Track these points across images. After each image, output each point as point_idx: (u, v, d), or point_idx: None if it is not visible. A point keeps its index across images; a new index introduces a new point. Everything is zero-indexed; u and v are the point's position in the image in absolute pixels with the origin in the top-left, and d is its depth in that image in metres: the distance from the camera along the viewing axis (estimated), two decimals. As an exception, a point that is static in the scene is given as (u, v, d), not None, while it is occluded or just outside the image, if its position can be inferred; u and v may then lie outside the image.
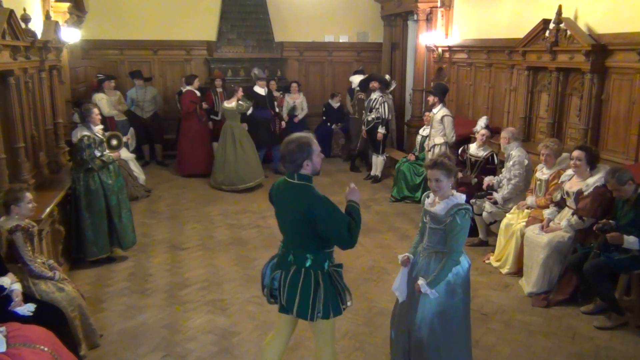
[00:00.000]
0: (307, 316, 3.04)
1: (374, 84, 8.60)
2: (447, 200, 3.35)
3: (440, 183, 3.34)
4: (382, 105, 8.48)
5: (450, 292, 3.37)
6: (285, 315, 3.22)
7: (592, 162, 4.81)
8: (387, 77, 9.48)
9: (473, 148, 6.43)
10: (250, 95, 8.99)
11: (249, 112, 8.78)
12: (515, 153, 5.77)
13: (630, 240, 4.18)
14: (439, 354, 3.39)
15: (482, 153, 6.33)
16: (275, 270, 3.17)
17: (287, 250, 3.14)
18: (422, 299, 3.39)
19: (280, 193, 3.14)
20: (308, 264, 3.06)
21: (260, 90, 9.10)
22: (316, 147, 3.06)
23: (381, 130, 8.46)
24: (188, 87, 9.24)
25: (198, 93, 9.25)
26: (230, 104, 8.38)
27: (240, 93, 8.43)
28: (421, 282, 3.30)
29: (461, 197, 3.38)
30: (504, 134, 5.89)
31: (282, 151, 3.05)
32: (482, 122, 6.45)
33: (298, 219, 3.01)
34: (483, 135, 6.30)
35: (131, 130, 8.27)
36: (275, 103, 9.51)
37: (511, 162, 5.78)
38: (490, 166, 6.30)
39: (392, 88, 9.32)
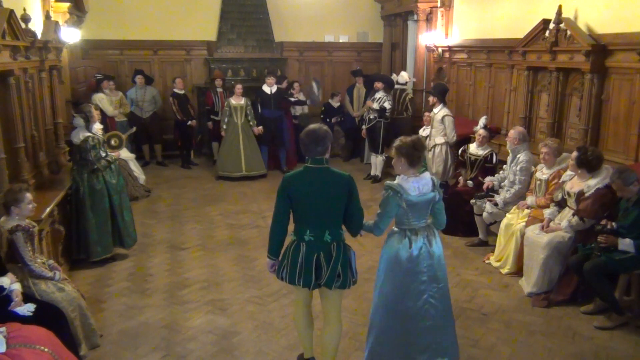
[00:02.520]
0: (347, 285, 3.40)
1: (378, 84, 8.61)
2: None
3: (394, 162, 3.55)
4: (385, 104, 8.49)
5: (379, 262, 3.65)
6: (308, 292, 3.53)
7: (585, 165, 4.76)
8: (405, 74, 9.43)
9: (473, 147, 6.45)
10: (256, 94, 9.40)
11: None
12: (523, 157, 5.70)
13: (625, 242, 4.19)
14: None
15: (481, 152, 6.35)
16: (313, 254, 3.34)
17: (320, 232, 3.34)
18: None
19: (308, 181, 3.32)
20: (343, 237, 3.44)
21: (266, 88, 9.19)
22: None
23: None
24: (278, 87, 9.49)
25: (291, 91, 9.83)
26: (239, 101, 8.97)
27: (238, 90, 8.96)
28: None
29: (401, 178, 3.46)
30: (513, 134, 5.78)
31: (312, 136, 3.28)
32: (481, 122, 6.46)
33: (339, 198, 3.33)
34: (481, 135, 6.32)
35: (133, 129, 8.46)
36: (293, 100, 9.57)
37: (518, 167, 5.72)
38: (489, 165, 6.32)
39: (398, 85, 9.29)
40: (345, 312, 4.52)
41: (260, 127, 9.14)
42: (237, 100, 8.97)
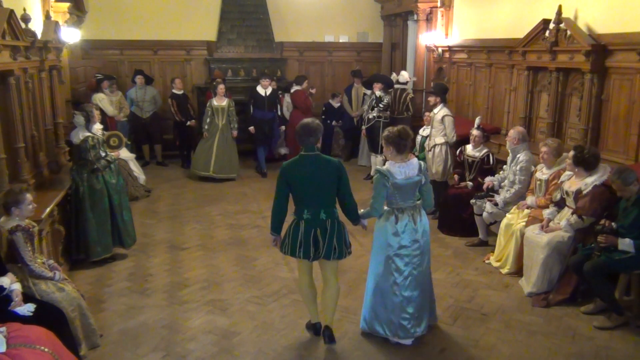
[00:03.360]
0: (342, 256, 3.91)
1: (377, 85, 8.61)
2: None
3: (384, 150, 4.08)
4: (384, 100, 8.51)
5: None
6: (309, 263, 3.99)
7: (582, 163, 4.77)
8: (406, 73, 9.43)
9: (469, 149, 6.45)
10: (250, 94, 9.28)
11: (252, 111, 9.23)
12: (523, 157, 5.72)
13: (625, 242, 4.19)
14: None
15: (478, 154, 6.34)
16: (311, 230, 3.82)
17: (317, 210, 3.83)
18: None
19: (303, 166, 3.81)
20: (337, 215, 3.91)
21: (261, 90, 9.15)
22: None
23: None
24: (297, 87, 9.59)
25: (311, 91, 9.95)
26: (221, 102, 8.87)
27: (220, 91, 8.85)
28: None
29: (390, 164, 3.94)
30: (513, 134, 5.79)
31: (306, 128, 3.79)
32: (475, 122, 6.46)
33: (331, 180, 3.81)
34: (475, 136, 6.32)
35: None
36: (279, 106, 9.51)
37: (518, 167, 5.73)
38: (487, 166, 6.31)
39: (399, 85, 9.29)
40: (346, 313, 4.53)
41: (252, 128, 9.14)
42: (220, 102, 8.85)
